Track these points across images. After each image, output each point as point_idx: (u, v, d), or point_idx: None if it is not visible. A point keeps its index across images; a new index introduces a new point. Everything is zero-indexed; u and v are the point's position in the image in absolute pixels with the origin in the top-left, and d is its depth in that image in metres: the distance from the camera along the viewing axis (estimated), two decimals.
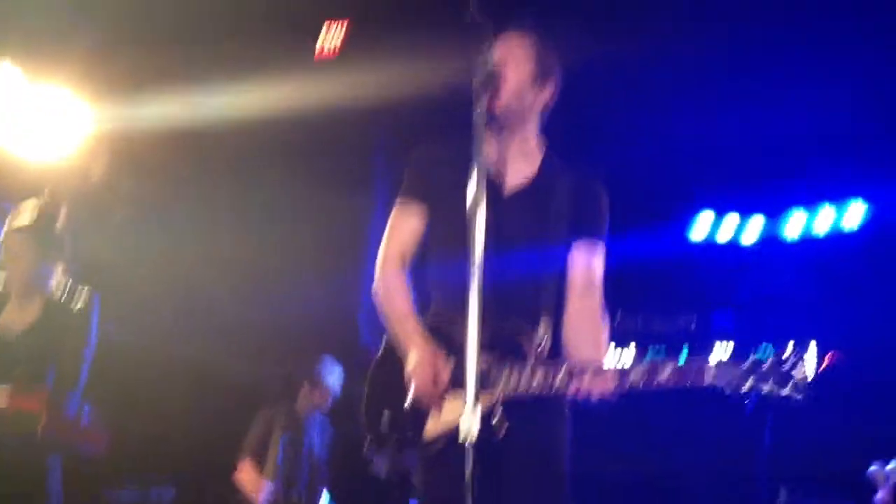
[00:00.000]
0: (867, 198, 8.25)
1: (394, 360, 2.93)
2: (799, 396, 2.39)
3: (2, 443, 3.85)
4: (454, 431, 2.65)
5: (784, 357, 2.41)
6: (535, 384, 2.69)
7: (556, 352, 2.89)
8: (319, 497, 6.45)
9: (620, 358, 9.10)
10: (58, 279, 4.28)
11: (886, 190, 8.04)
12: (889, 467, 6.06)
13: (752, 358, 2.45)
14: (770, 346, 2.48)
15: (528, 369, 2.70)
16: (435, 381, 2.76)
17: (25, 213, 4.24)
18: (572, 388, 2.64)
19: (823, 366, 8.79)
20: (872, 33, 6.31)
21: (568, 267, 2.95)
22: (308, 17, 6.67)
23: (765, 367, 2.44)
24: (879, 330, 8.00)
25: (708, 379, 2.49)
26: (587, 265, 2.96)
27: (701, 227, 8.74)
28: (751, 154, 7.56)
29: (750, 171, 7.90)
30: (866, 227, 8.25)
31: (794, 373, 2.40)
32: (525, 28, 3.04)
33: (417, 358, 2.80)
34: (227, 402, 7.44)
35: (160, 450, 7.15)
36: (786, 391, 2.40)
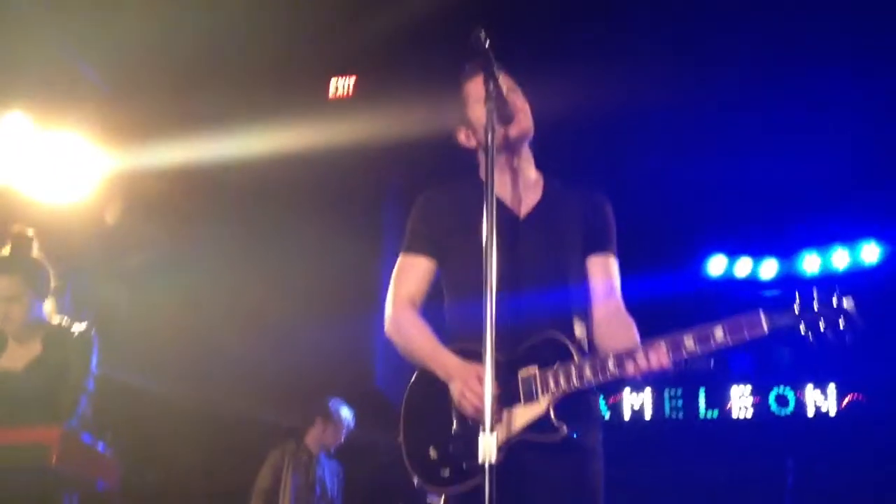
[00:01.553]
0: (881, 238, 8.21)
1: (428, 391, 2.93)
2: (856, 324, 2.50)
3: (17, 477, 3.78)
4: (516, 442, 2.72)
5: (826, 299, 2.52)
6: (587, 378, 2.73)
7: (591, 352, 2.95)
8: None
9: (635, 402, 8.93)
10: (50, 311, 4.31)
11: None
12: None
13: (797, 301, 2.54)
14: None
15: (575, 367, 2.75)
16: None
17: (4, 249, 4.27)
18: (629, 370, 2.69)
19: (844, 405, 8.72)
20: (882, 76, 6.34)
21: (588, 278, 3.06)
22: (319, 64, 6.72)
23: (814, 304, 2.53)
24: None
25: (765, 327, 2.55)
26: (605, 273, 3.07)
27: (714, 269, 8.68)
28: (762, 197, 7.55)
29: (761, 215, 7.88)
30: (883, 266, 8.19)
31: (843, 305, 2.51)
32: (504, 70, 3.02)
33: (461, 383, 2.78)
34: (239, 444, 7.42)
35: (173, 492, 7.12)
36: (840, 321, 2.51)
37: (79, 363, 4.13)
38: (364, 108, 6.55)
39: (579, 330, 2.93)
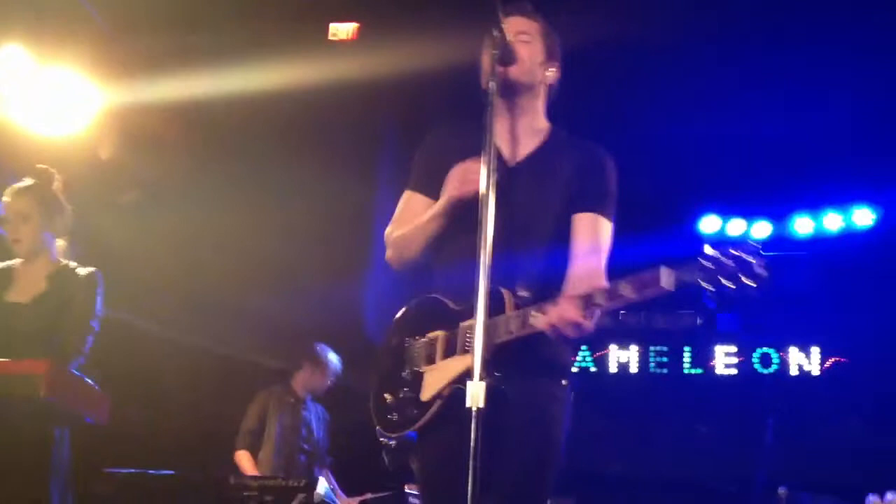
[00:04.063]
0: (873, 202, 8.22)
1: (395, 341, 3.03)
2: (753, 284, 2.35)
3: (8, 408, 3.83)
4: (448, 393, 2.77)
5: (735, 253, 2.36)
6: (512, 330, 2.68)
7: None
8: (317, 479, 6.47)
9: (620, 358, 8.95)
10: (62, 252, 4.37)
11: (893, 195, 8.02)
12: (888, 498, 5.98)
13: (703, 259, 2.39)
14: None
15: (502, 322, 2.69)
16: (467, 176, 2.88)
17: (26, 179, 4.36)
18: (540, 323, 2.62)
19: (827, 366, 8.80)
20: (878, 37, 6.29)
21: (572, 235, 2.96)
22: (321, 4, 6.65)
23: (721, 261, 2.37)
24: (886, 337, 7.96)
25: (665, 282, 2.42)
26: (589, 233, 2.96)
27: (707, 228, 8.68)
28: (756, 158, 7.53)
29: (755, 176, 7.87)
30: (875, 232, 8.22)
31: (752, 265, 2.34)
32: (528, 12, 3.09)
33: (457, 172, 2.92)
34: (227, 385, 7.47)
35: (160, 430, 7.18)
36: (743, 279, 2.35)
37: (84, 302, 4.20)
38: (365, 50, 6.49)
39: (525, 287, 2.82)
